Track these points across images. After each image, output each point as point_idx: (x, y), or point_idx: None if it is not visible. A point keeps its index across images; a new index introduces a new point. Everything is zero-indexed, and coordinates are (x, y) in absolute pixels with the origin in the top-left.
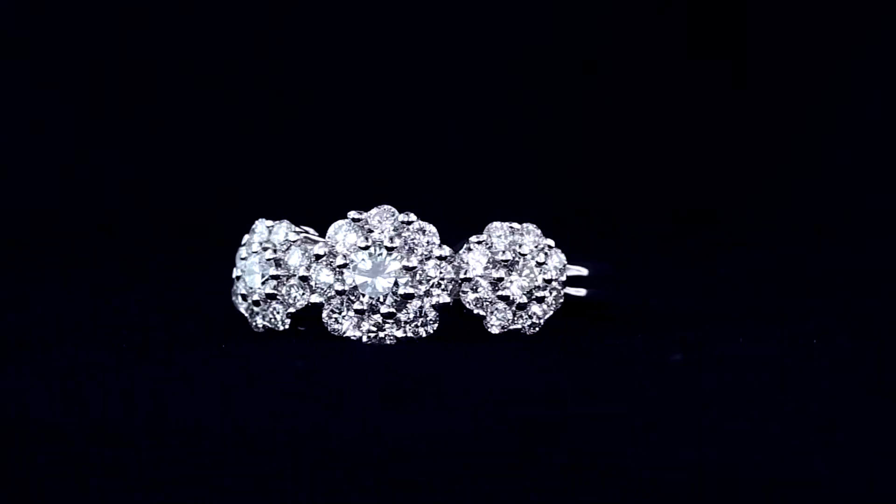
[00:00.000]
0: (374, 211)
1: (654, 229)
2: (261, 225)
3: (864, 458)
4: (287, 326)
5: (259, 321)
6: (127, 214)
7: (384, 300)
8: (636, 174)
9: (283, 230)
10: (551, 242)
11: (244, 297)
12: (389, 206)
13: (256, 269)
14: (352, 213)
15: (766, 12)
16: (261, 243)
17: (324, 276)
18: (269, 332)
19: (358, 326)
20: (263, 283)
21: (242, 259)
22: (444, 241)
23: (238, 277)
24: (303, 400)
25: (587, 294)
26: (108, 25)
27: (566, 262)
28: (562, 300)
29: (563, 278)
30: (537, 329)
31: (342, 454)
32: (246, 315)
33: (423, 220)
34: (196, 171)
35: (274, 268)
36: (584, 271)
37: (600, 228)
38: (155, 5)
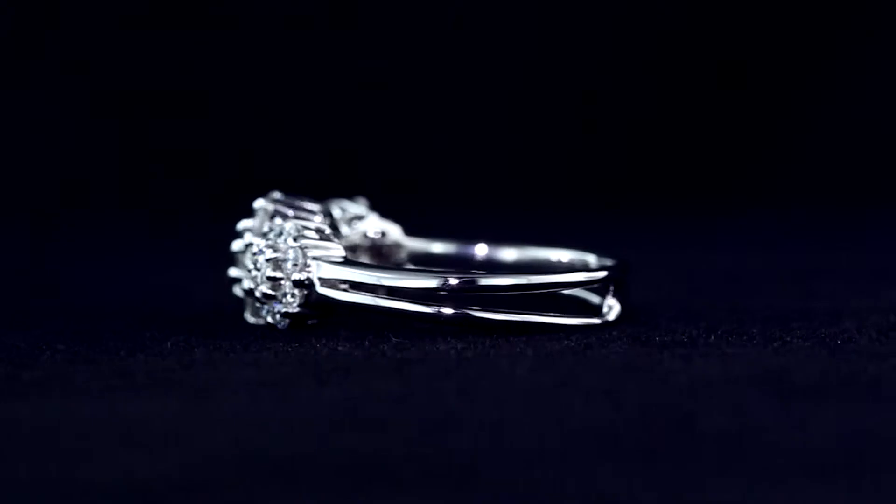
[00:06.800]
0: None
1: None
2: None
3: None
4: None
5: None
6: None
7: None
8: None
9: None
10: (308, 244)
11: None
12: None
13: None
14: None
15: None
16: None
17: None
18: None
19: None
20: None
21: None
22: None
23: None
24: None
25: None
26: None
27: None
28: (300, 299)
29: (304, 277)
30: (282, 326)
31: None
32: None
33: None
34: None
35: None
36: (600, 275)
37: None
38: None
